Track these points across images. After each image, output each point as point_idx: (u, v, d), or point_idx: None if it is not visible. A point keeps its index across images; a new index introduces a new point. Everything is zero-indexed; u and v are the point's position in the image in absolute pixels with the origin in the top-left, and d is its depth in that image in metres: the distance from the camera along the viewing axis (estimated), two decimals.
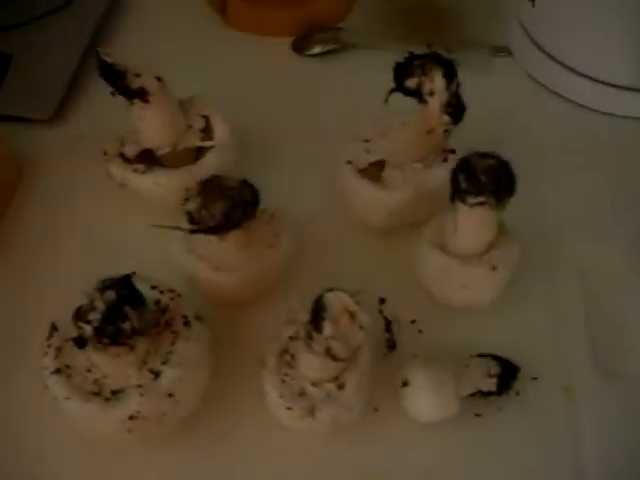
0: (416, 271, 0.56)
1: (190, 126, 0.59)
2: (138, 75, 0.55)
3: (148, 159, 0.59)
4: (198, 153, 0.61)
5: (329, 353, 0.43)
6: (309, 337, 0.44)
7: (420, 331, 0.55)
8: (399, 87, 0.54)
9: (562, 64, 0.70)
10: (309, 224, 0.59)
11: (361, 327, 0.44)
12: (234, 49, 0.76)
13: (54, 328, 0.49)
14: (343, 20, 0.77)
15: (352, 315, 0.44)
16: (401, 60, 0.54)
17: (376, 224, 0.58)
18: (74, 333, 0.49)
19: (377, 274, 0.58)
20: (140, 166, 0.58)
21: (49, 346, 0.49)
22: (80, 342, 0.45)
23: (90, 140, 0.66)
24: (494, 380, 0.51)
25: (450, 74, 0.52)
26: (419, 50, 0.55)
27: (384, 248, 0.60)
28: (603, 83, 0.68)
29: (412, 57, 0.53)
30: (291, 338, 0.50)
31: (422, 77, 0.53)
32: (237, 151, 0.60)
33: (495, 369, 0.51)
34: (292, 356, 0.49)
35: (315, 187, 0.63)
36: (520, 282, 0.56)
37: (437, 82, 0.52)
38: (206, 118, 0.60)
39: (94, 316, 0.43)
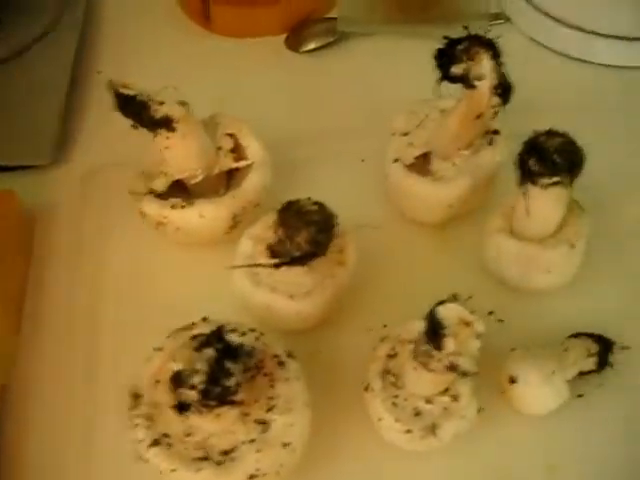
0: (488, 261, 0.54)
1: (220, 148, 0.55)
2: (161, 103, 0.51)
3: (177, 191, 0.55)
4: (229, 175, 0.57)
5: (456, 370, 0.41)
6: (427, 355, 0.42)
7: (501, 320, 0.53)
8: (445, 76, 0.51)
9: (562, 22, 0.69)
10: (362, 231, 0.56)
11: (478, 336, 0.42)
12: (225, 58, 0.71)
13: (137, 396, 0.45)
14: (332, 9, 0.73)
15: (468, 324, 0.42)
16: (439, 46, 0.51)
17: (434, 220, 0.56)
18: (157, 396, 0.46)
19: (443, 270, 0.56)
20: (177, 200, 0.53)
21: (137, 416, 0.44)
22: (182, 408, 0.41)
23: (102, 175, 0.62)
24: (594, 359, 0.50)
25: (496, 55, 0.50)
26: (445, 34, 0.52)
27: (443, 242, 0.57)
28: (612, 37, 0.67)
29: (453, 42, 0.51)
30: (389, 356, 0.48)
31: (469, 62, 0.50)
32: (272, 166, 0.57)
33: (594, 347, 0.50)
34: (395, 375, 0.47)
35: (355, 190, 0.60)
36: (588, 253, 0.54)
37: (485, 65, 0.50)
38: (233, 136, 0.56)
39: (198, 379, 0.40)
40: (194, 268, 0.56)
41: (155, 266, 0.57)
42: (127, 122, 0.52)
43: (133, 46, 0.73)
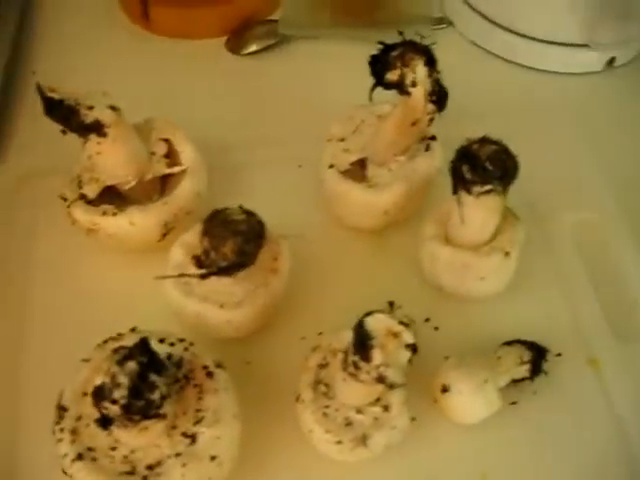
0: (423, 268, 0.54)
1: (153, 153, 0.54)
2: (91, 108, 0.49)
3: (111, 196, 0.54)
4: (163, 181, 0.56)
5: (383, 381, 0.41)
6: (354, 366, 0.41)
7: (436, 328, 0.53)
8: (379, 82, 0.51)
9: (504, 27, 0.69)
10: (298, 238, 0.56)
11: (407, 346, 0.42)
12: (165, 59, 0.70)
13: (63, 409, 0.44)
14: (275, 11, 0.73)
15: (396, 335, 0.42)
16: (373, 52, 0.51)
17: (370, 226, 0.56)
18: (83, 409, 0.44)
19: (380, 277, 0.55)
20: (109, 207, 0.52)
21: (62, 430, 0.43)
22: (105, 422, 0.40)
23: (35, 180, 0.60)
24: (527, 367, 0.50)
25: (431, 61, 0.50)
26: (387, 38, 0.52)
27: (380, 249, 0.57)
28: (549, 42, 0.68)
29: (388, 48, 0.50)
30: (320, 366, 0.48)
31: (403, 68, 0.50)
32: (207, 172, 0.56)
33: (527, 355, 0.50)
34: (327, 385, 0.47)
35: (292, 196, 0.59)
36: (522, 262, 0.54)
37: (420, 72, 0.49)
38: (167, 141, 0.55)
39: (120, 394, 0.39)
40: (126, 275, 0.55)
41: (86, 273, 0.56)
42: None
43: (71, 46, 0.71)
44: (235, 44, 0.70)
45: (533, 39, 0.68)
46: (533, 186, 0.58)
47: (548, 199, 0.60)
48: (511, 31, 0.69)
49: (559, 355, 0.52)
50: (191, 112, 0.64)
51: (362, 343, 0.41)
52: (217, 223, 0.43)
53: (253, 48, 0.70)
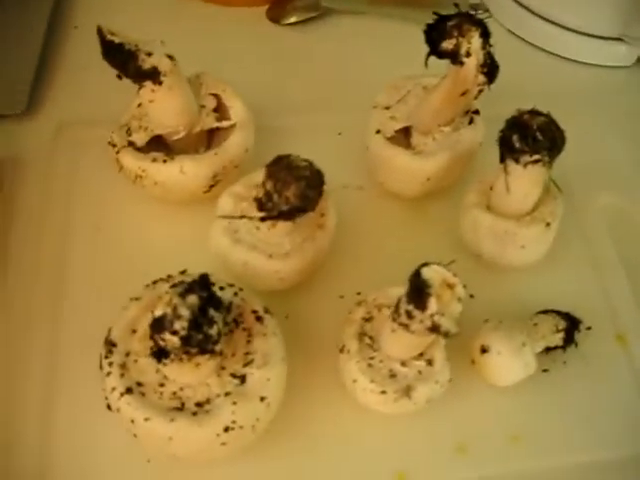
0: (464, 235, 0.55)
1: (203, 106, 0.55)
2: (150, 54, 0.50)
3: (157, 146, 0.54)
4: (209, 136, 0.56)
5: (438, 330, 0.41)
6: (408, 316, 0.42)
7: (472, 296, 0.54)
8: (434, 50, 0.52)
9: (540, 16, 0.71)
10: (341, 199, 0.56)
11: (459, 299, 0.43)
12: (206, 23, 0.70)
13: (112, 344, 0.44)
14: None
15: (451, 287, 0.43)
16: (429, 21, 0.52)
17: (411, 192, 0.57)
18: (132, 346, 0.45)
19: (418, 242, 0.56)
20: (159, 154, 0.52)
21: (111, 364, 0.43)
22: (161, 355, 0.40)
23: (74, 129, 0.61)
24: (561, 335, 0.51)
25: (485, 34, 0.51)
26: (427, 19, 0.53)
27: (419, 216, 0.58)
28: (583, 34, 0.70)
29: (444, 18, 0.51)
30: (364, 320, 0.48)
31: (459, 38, 0.51)
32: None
33: (562, 324, 0.51)
34: (371, 338, 0.47)
35: (333, 162, 0.58)
36: (557, 236, 0.56)
37: (475, 42, 0.51)
38: (216, 97, 0.56)
39: (180, 325, 0.39)
40: (168, 225, 0.55)
41: (125, 221, 0.56)
42: (102, 79, 0.51)
43: (114, 4, 0.71)
44: (276, 13, 0.71)
45: (568, 29, 0.69)
46: (568, 168, 0.59)
47: (581, 181, 0.61)
48: (547, 20, 0.70)
49: (589, 329, 0.54)
50: (228, 76, 0.64)
51: (418, 291, 0.41)
52: (281, 167, 0.44)
53: (294, 19, 0.71)
